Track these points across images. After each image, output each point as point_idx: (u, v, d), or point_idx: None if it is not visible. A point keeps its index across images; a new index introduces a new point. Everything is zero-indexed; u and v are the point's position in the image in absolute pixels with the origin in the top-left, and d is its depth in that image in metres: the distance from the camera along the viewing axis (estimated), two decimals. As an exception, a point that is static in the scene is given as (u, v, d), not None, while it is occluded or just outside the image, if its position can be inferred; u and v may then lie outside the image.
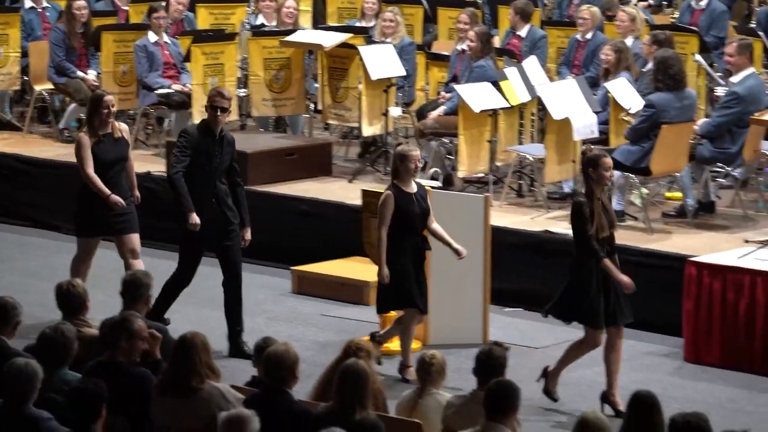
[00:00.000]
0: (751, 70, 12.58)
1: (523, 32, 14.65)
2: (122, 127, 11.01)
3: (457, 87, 13.32)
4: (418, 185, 10.14)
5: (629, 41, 13.55)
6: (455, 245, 10.17)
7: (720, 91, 13.17)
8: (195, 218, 10.42)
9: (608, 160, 9.52)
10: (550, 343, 11.11)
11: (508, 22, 15.02)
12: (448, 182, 13.13)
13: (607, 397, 9.65)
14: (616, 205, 12.42)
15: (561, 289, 9.69)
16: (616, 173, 12.46)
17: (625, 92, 12.72)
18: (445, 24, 15.88)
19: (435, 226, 10.23)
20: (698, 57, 13.72)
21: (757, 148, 12.50)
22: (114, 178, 10.84)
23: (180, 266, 10.70)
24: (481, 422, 7.01)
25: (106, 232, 11.02)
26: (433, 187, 11.35)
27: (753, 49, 12.87)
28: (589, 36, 14.25)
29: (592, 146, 9.75)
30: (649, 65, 12.82)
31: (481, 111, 12.93)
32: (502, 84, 13.09)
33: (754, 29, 14.38)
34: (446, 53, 14.59)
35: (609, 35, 14.14)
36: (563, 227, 12.31)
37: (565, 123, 12.57)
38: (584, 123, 12.61)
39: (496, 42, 14.72)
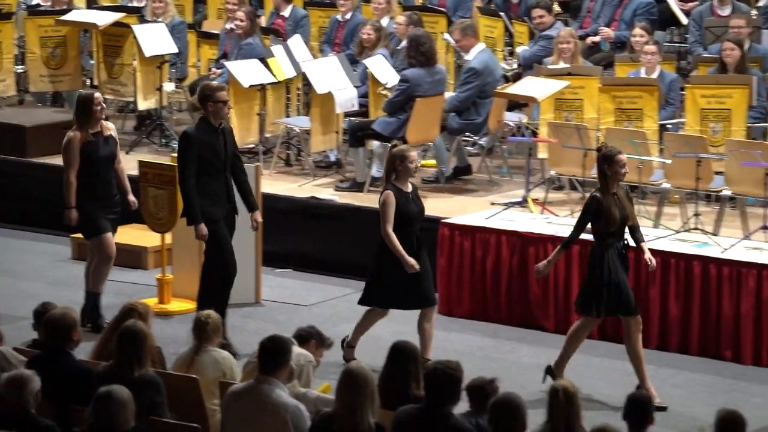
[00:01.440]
0: (481, 45, 12.81)
1: (286, 12, 14.62)
2: (110, 126, 10.39)
3: (227, 63, 13.23)
4: (413, 185, 9.59)
5: (385, 21, 13.65)
6: None
7: (469, 66, 13.35)
8: (203, 229, 9.73)
9: (623, 157, 9.16)
10: (317, 301, 11.14)
11: (272, 3, 14.97)
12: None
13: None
14: (375, 172, 12.54)
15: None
16: (375, 143, 12.59)
17: (382, 68, 12.82)
18: (214, 4, 15.74)
19: None
20: (447, 35, 13.90)
21: (500, 119, 12.74)
22: (107, 176, 10.26)
23: (218, 260, 9.84)
24: (255, 376, 6.99)
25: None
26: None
27: (477, 27, 13.07)
28: (348, 16, 14.31)
29: (606, 144, 9.36)
30: (403, 43, 12.93)
31: (250, 86, 12.88)
32: (269, 61, 13.06)
33: (496, 10, 14.64)
34: (216, 32, 14.47)
35: (366, 15, 14.22)
36: (328, 193, 12.39)
37: (328, 97, 12.61)
38: (346, 97, 12.67)
39: (262, 21, 14.67)
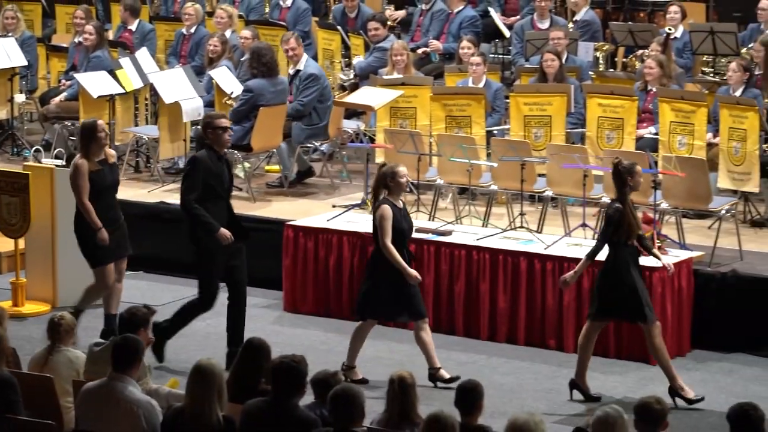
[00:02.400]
0: (306, 55, 12.84)
1: (133, 26, 14.48)
2: (112, 152, 9.83)
3: (76, 75, 13.06)
4: (402, 202, 9.30)
5: (227, 34, 13.61)
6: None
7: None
8: (225, 232, 9.32)
9: (639, 168, 9.05)
10: (168, 301, 11.05)
11: (119, 17, 14.81)
12: (71, 162, 12.82)
13: (576, 384, 9.11)
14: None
15: (597, 291, 9.04)
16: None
17: (226, 79, 12.77)
18: (62, 19, 15.53)
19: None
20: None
21: (339, 126, 12.80)
22: (113, 201, 9.73)
23: (202, 292, 9.48)
24: (108, 372, 6.91)
25: (116, 257, 9.78)
26: (58, 166, 11.08)
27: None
28: (193, 30, 14.22)
29: (618, 158, 9.12)
30: (247, 55, 12.90)
31: (99, 96, 12.71)
32: (117, 72, 12.90)
33: (333, 24, 14.71)
34: (65, 45, 14.27)
35: (210, 29, 14.16)
36: (177, 198, 12.27)
37: (176, 106, 12.52)
38: (192, 106, 12.60)
39: (110, 35, 14.51)
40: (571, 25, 14.04)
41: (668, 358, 8.99)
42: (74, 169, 9.68)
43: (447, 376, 9.24)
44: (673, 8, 13.36)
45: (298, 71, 12.64)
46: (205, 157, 9.47)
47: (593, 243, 10.30)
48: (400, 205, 9.28)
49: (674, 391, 8.94)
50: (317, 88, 12.54)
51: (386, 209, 9.14)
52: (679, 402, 8.94)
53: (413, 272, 9.16)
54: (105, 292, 9.83)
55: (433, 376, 9.28)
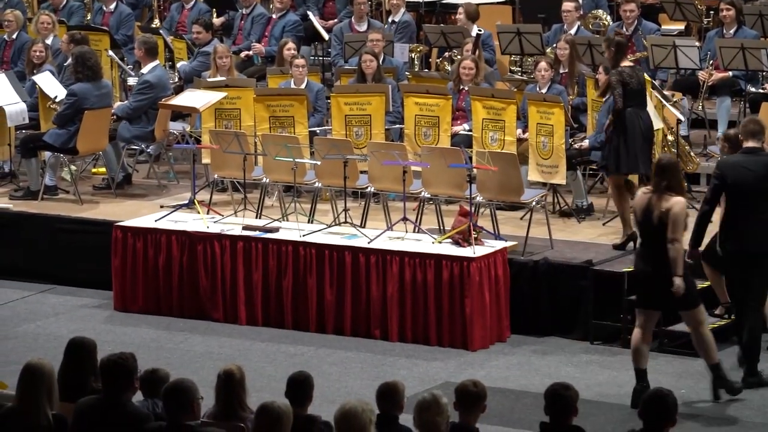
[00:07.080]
0: (157, 62, 12.65)
1: (-46, 34, 14.04)
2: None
3: None
4: None
5: (50, 40, 13.31)
6: None
7: (132, 81, 13.14)
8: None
9: None
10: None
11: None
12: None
13: None
14: (48, 181, 12.19)
15: None
16: (47, 154, 12.24)
17: (50, 84, 12.48)
18: None
19: None
20: (111, 52, 13.66)
21: (165, 128, 12.60)
22: None
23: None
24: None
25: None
26: None
27: (158, 45, 12.93)
28: (14, 36, 13.87)
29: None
30: (69, 60, 12.63)
31: None
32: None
33: (156, 28, 14.49)
34: None
35: (31, 35, 13.84)
36: (4, 202, 12.03)
37: (0, 111, 12.17)
38: (16, 110, 12.31)
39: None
40: (386, 26, 14.09)
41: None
42: (681, 208, 8.54)
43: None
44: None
45: (142, 74, 12.45)
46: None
47: (415, 237, 10.41)
48: None
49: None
50: (150, 97, 12.31)
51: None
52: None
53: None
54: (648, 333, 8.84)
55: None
